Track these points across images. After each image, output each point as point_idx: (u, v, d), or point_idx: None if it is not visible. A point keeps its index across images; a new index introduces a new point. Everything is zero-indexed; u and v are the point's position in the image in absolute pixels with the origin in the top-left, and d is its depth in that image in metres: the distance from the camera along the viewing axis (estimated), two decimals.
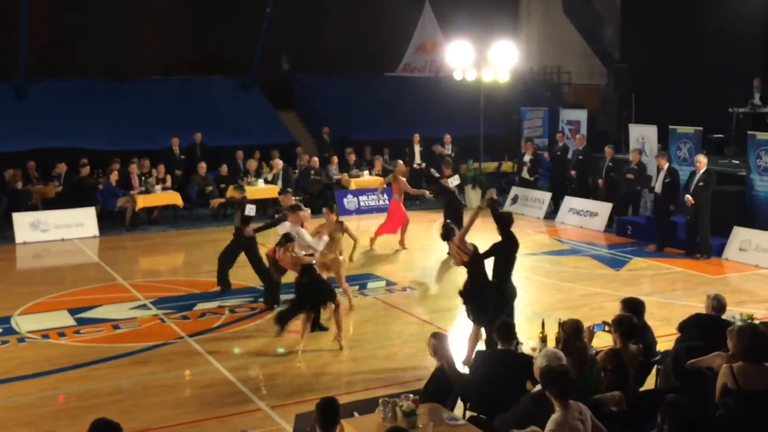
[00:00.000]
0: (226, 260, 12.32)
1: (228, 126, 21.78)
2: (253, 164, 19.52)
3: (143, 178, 18.23)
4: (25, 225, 16.37)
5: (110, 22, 22.53)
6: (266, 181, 19.08)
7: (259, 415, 8.06)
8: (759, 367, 5.89)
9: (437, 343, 6.83)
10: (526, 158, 19.63)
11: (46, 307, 11.72)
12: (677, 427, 5.08)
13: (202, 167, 18.96)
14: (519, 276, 13.25)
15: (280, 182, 19.17)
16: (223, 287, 12.33)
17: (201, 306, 11.70)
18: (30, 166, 18.56)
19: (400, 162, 16.24)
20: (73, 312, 11.39)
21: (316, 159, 20.16)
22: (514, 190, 19.66)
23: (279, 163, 19.48)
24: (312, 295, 9.83)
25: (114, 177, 17.77)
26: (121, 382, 8.89)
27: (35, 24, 20.12)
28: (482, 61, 19.42)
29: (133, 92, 21.99)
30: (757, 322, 7.42)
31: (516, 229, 9.75)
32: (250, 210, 12.15)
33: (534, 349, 7.65)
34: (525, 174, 19.64)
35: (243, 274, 12.72)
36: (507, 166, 21.89)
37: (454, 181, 15.12)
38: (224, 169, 19.45)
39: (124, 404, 8.26)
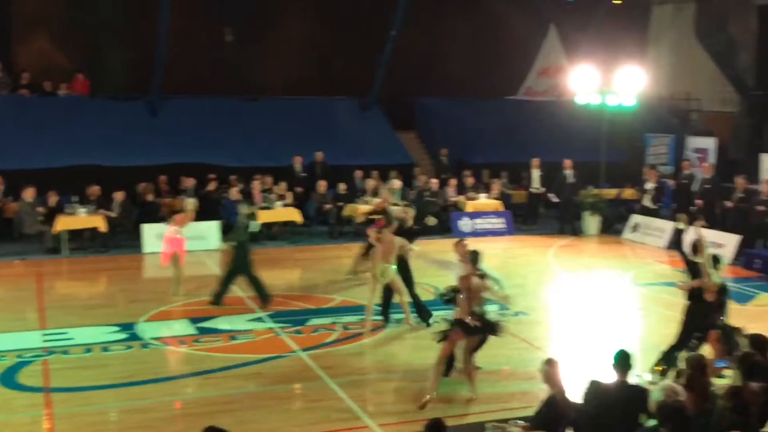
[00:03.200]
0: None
1: (348, 145, 22.16)
2: (371, 184, 19.76)
3: (265, 194, 18.77)
4: (153, 236, 17.13)
5: (239, 43, 23.43)
6: None
7: None
8: None
9: (550, 370, 6.70)
10: (649, 186, 19.04)
11: (169, 316, 12.21)
12: None
13: (322, 185, 19.37)
14: (637, 306, 12.89)
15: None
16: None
17: (314, 321, 11.89)
18: (161, 180, 19.46)
19: None
20: (193, 321, 11.82)
21: (434, 180, 20.22)
22: (635, 218, 19.09)
23: (397, 184, 19.64)
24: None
25: (234, 192, 18.35)
26: (235, 392, 9.14)
27: (170, 43, 21.10)
28: (607, 86, 19.05)
29: (258, 111, 22.72)
30: None
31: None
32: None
33: (651, 383, 7.40)
34: (647, 202, 19.04)
35: (359, 292, 12.89)
36: (628, 193, 21.28)
37: None
38: (342, 187, 19.79)
39: (236, 413, 8.46)
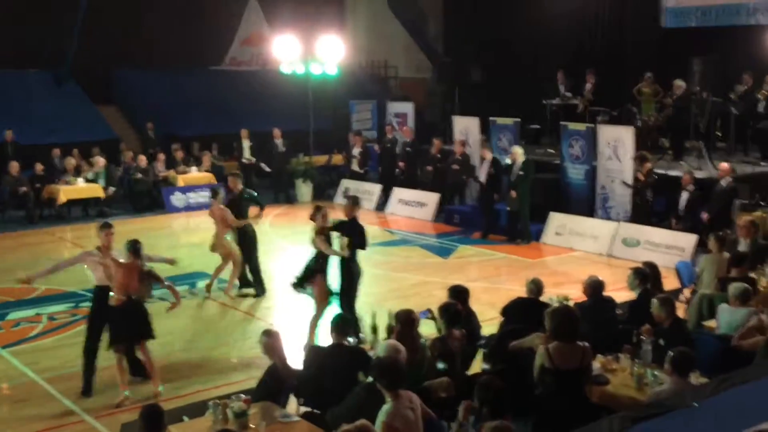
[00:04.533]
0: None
1: (42, 122, 20.55)
2: (71, 162, 18.53)
3: None
4: None
5: None
6: (87, 180, 18.21)
7: (82, 427, 7.68)
8: (571, 345, 6.23)
9: (269, 340, 6.73)
10: (356, 151, 19.82)
11: None
12: (495, 406, 5.28)
13: (14, 167, 17.78)
14: None
15: (102, 180, 18.36)
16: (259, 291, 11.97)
17: (15, 315, 10.96)
18: None
19: None
20: None
21: (142, 157, 19.40)
22: (345, 183, 19.80)
23: (100, 161, 18.63)
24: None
25: None
26: None
27: None
28: (310, 54, 19.40)
29: None
30: (572, 302, 7.84)
31: None
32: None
33: (366, 342, 7.73)
34: (355, 166, 19.82)
35: (61, 279, 12.07)
36: (337, 159, 22.01)
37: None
38: (39, 167, 18.34)
39: None
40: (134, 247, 8.24)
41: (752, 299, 7.83)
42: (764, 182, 13.89)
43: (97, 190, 18.13)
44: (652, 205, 14.22)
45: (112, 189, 18.48)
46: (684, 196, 13.45)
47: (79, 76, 22.62)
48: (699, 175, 14.17)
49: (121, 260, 8.19)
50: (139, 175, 18.93)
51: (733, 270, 8.77)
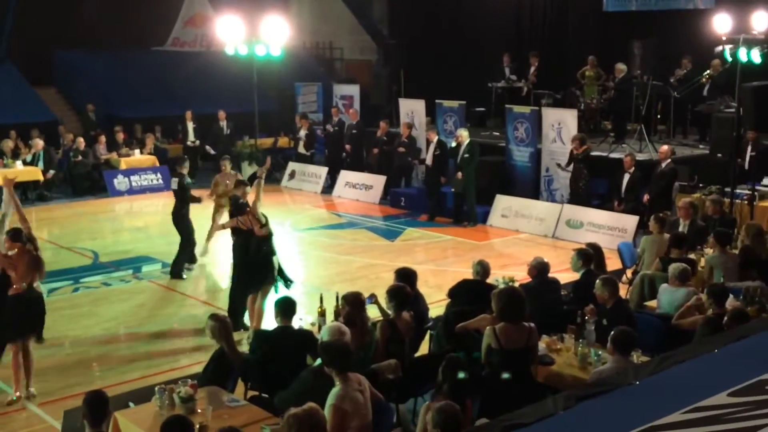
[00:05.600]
0: None
1: None
2: (9, 144, 18.08)
3: None
4: None
5: None
6: (25, 163, 17.78)
7: (25, 415, 7.53)
8: (517, 326, 6.33)
9: (216, 324, 6.68)
10: (302, 133, 19.71)
11: None
12: (457, 385, 5.37)
13: None
14: (298, 251, 13.38)
15: (41, 163, 17.93)
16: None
17: None
18: None
19: None
20: None
21: (81, 139, 18.99)
22: (291, 166, 19.69)
23: (39, 143, 18.18)
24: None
25: None
26: None
27: None
28: (254, 36, 19.15)
29: None
30: (517, 284, 7.95)
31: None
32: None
33: (313, 324, 7.73)
34: (301, 149, 19.72)
35: None
36: (283, 141, 21.86)
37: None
38: None
39: None
40: (16, 234, 7.79)
41: (691, 279, 8.04)
42: (703, 164, 14.21)
43: (36, 173, 17.71)
44: (591, 187, 14.44)
45: (51, 172, 18.08)
46: (626, 178, 13.70)
47: (16, 57, 22.02)
48: (640, 157, 14.44)
49: (10, 253, 7.75)
50: (80, 158, 18.55)
51: (673, 251, 8.97)
